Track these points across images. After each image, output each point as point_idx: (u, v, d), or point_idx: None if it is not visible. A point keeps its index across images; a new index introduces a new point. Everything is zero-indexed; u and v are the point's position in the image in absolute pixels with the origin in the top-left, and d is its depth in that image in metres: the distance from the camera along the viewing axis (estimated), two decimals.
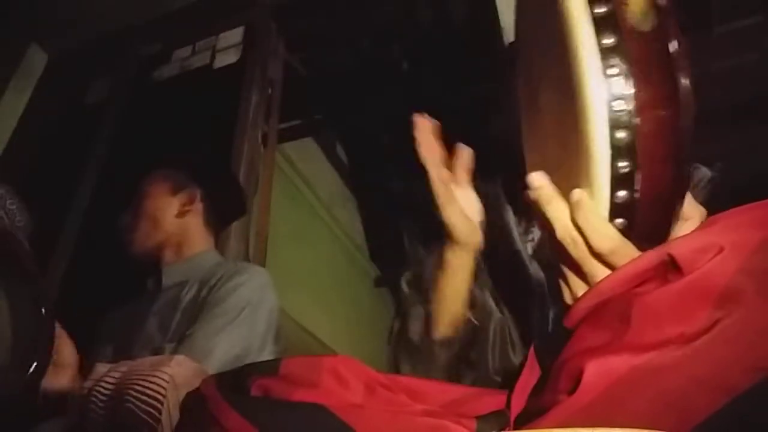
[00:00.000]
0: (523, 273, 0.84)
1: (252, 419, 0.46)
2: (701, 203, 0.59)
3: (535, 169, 0.63)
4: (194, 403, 0.54)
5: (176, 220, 1.31)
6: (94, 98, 2.23)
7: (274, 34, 2.06)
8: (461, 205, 0.74)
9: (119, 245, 1.32)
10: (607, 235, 0.47)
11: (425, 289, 0.81)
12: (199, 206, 1.34)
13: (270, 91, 1.95)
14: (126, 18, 2.25)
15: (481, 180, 0.82)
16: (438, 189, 0.73)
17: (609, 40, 0.45)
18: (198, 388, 0.53)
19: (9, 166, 2.10)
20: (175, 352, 1.07)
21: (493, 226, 0.85)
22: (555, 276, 0.54)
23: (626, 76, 0.45)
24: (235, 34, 2.07)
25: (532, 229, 0.89)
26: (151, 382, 0.67)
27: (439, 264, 0.77)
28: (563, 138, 0.51)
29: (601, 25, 0.45)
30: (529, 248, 0.87)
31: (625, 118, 0.45)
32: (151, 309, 1.24)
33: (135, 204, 1.33)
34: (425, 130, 0.74)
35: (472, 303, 0.79)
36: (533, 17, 0.60)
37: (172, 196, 1.32)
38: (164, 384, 0.67)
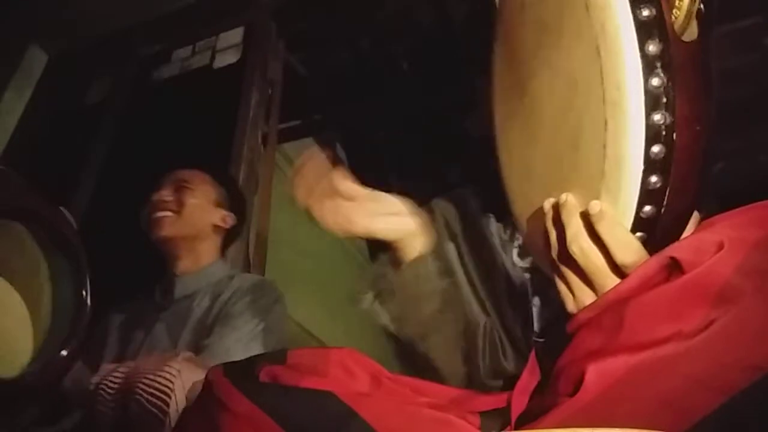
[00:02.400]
0: (506, 279, 0.83)
1: (261, 404, 0.47)
2: None
3: (518, 165, 0.61)
4: (201, 389, 0.54)
5: (211, 230, 1.35)
6: (94, 98, 2.23)
7: (274, 35, 2.06)
8: (377, 212, 0.76)
9: (147, 229, 1.32)
10: (633, 248, 0.46)
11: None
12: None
13: (270, 91, 1.95)
14: (126, 18, 2.25)
15: (454, 187, 0.81)
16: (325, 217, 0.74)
17: (654, 48, 0.42)
18: (205, 376, 0.54)
19: (9, 166, 2.09)
20: None
21: (472, 234, 0.85)
22: (553, 283, 0.53)
23: (669, 88, 0.42)
24: (235, 35, 2.07)
25: (518, 235, 0.88)
26: (159, 377, 0.69)
27: (396, 267, 0.78)
28: (573, 140, 0.49)
29: (645, 29, 0.42)
30: (515, 254, 0.86)
31: (663, 132, 0.42)
32: (159, 317, 1.25)
33: (175, 189, 1.33)
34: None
35: (448, 297, 0.79)
36: (537, 6, 0.56)
37: (214, 206, 1.36)
38: (172, 378, 0.68)
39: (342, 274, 3.26)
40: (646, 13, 0.42)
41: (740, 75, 2.20)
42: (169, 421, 0.66)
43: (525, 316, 0.81)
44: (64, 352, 0.77)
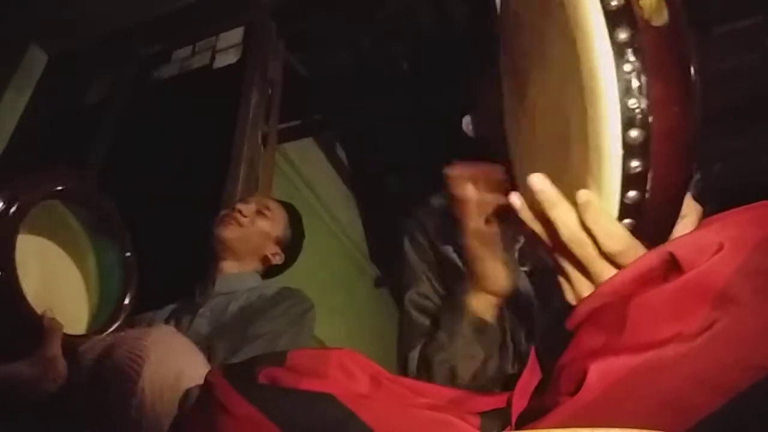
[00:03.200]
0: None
1: (260, 406, 0.47)
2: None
3: (524, 166, 0.62)
4: (202, 391, 0.54)
5: (259, 258, 1.45)
6: (94, 98, 2.23)
7: (274, 35, 2.06)
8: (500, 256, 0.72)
9: (213, 224, 1.43)
10: (618, 236, 0.46)
11: (445, 328, 0.79)
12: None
13: (270, 91, 1.95)
14: (126, 18, 2.25)
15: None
16: (478, 242, 0.70)
17: (623, 35, 0.43)
18: (205, 378, 0.54)
19: (9, 167, 2.10)
20: (228, 354, 1.18)
21: None
22: (553, 278, 0.53)
23: (640, 73, 0.43)
24: (235, 35, 2.07)
25: (519, 236, 0.87)
26: (135, 343, 0.76)
27: (461, 309, 0.76)
28: (563, 135, 0.50)
29: (614, 18, 0.43)
30: (516, 254, 0.86)
31: (639, 116, 0.43)
32: (198, 311, 1.33)
33: (256, 210, 1.45)
34: (463, 180, 0.70)
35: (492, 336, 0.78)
36: (526, 5, 0.58)
37: (274, 242, 1.47)
38: (146, 345, 0.75)
39: (341, 274, 3.26)
40: (614, 3, 0.44)
41: (740, 75, 2.20)
42: (141, 382, 0.73)
43: (527, 320, 0.81)
44: (126, 302, 0.96)
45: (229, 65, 2.00)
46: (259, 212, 1.46)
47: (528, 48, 0.57)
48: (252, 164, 1.74)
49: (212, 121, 1.88)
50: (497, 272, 0.74)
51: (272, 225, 1.47)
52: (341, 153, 3.31)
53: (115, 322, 0.95)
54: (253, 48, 1.99)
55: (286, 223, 1.51)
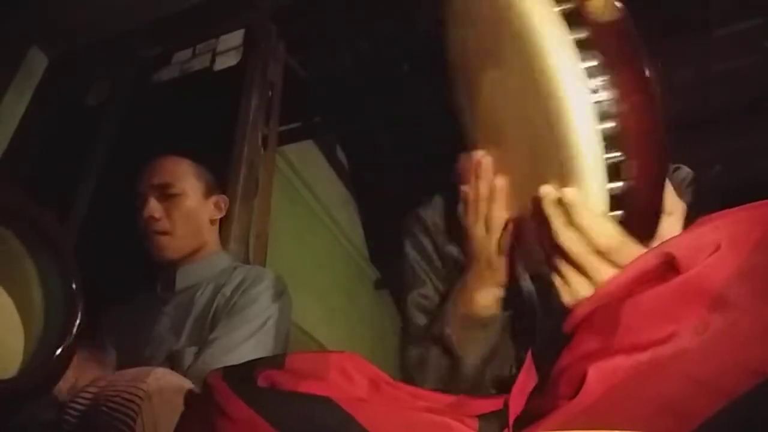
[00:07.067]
0: (516, 282, 0.83)
1: (258, 409, 0.47)
2: (689, 203, 0.59)
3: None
4: (201, 393, 0.54)
5: (211, 226, 1.27)
6: (94, 100, 2.24)
7: (274, 37, 2.06)
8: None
9: (145, 245, 1.24)
10: (607, 234, 0.47)
11: (443, 317, 0.79)
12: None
13: (270, 93, 1.95)
14: (126, 20, 2.25)
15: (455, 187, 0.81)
16: (482, 226, 0.69)
17: (580, 34, 0.45)
18: (204, 380, 0.54)
19: (10, 169, 2.10)
20: (198, 356, 1.07)
21: None
22: (551, 279, 0.53)
23: (602, 67, 0.45)
24: (236, 37, 2.07)
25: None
26: (125, 398, 0.65)
27: (465, 290, 0.76)
28: (533, 136, 0.51)
29: (568, 20, 0.46)
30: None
31: (609, 108, 0.45)
32: (162, 309, 1.22)
33: (159, 198, 1.23)
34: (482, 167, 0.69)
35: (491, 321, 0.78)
36: (477, 37, 0.59)
37: (205, 198, 1.27)
38: (138, 400, 0.64)
39: (341, 276, 3.26)
40: (566, 6, 0.46)
41: (740, 77, 2.21)
42: None
43: (531, 324, 0.81)
44: (58, 352, 0.73)
45: (230, 67, 2.00)
46: (165, 198, 1.21)
47: (480, 46, 0.59)
48: (252, 166, 1.74)
49: (212, 123, 1.88)
50: (501, 263, 0.72)
51: (188, 193, 1.23)
52: (341, 155, 3.31)
53: (47, 371, 0.74)
54: (253, 50, 1.99)
55: (193, 168, 1.26)
